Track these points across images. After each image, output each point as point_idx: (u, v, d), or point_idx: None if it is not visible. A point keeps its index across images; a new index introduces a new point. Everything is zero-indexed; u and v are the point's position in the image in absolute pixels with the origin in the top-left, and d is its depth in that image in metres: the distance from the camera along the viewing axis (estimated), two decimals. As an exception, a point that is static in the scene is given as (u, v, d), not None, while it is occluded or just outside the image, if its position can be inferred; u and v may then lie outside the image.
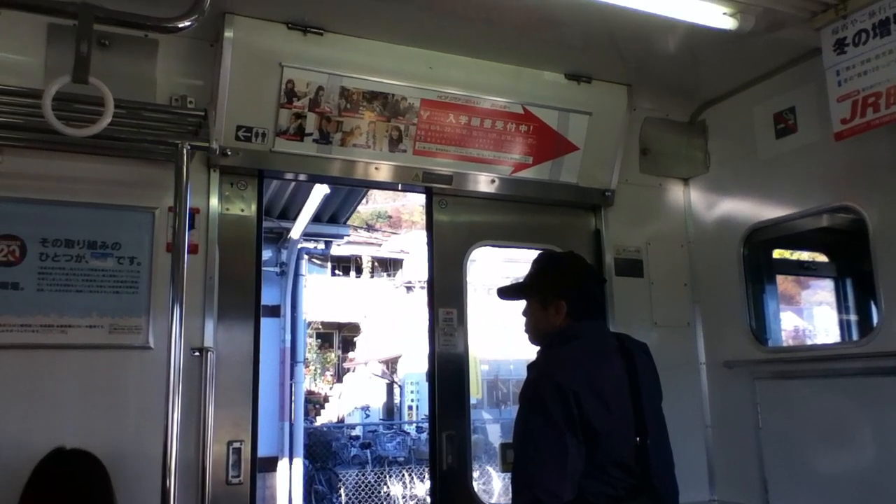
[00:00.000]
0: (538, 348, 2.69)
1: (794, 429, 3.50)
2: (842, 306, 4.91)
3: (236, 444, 3.13)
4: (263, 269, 3.90)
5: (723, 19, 3.01)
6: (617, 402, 2.42)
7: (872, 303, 3.73)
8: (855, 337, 4.78)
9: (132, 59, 3.11)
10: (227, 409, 3.12)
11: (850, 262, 4.71)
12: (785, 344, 4.57)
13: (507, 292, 2.88)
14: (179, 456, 2.64)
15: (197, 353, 3.01)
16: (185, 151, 2.87)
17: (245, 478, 3.12)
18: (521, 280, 2.83)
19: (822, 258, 5.07)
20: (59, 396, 2.84)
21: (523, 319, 2.77)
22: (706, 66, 3.72)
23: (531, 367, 2.57)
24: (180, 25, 2.40)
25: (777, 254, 4.64)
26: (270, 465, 8.32)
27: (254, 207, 3.37)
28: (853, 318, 4.80)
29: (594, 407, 2.35)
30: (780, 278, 4.63)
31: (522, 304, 2.78)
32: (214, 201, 3.22)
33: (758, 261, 4.05)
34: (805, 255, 5.20)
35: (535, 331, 2.71)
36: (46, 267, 2.89)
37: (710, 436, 4.03)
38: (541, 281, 2.72)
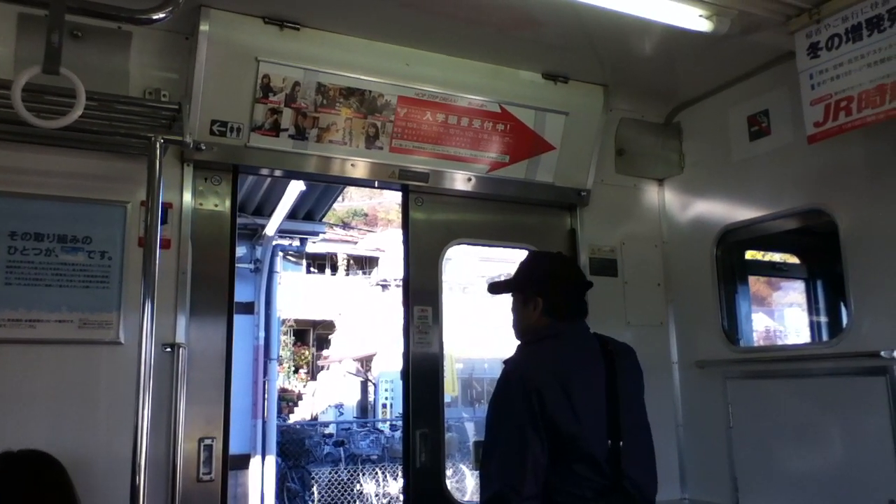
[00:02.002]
0: (517, 344, 2.73)
1: (765, 428, 3.54)
2: (812, 307, 4.97)
3: (208, 441, 3.10)
4: (237, 265, 3.87)
5: (699, 21, 3.03)
6: (587, 404, 2.43)
7: (842, 304, 3.78)
8: (825, 337, 4.84)
9: (105, 51, 3.06)
10: (199, 406, 3.09)
11: (821, 263, 4.77)
12: (756, 344, 4.62)
13: (496, 287, 2.96)
14: (149, 453, 2.62)
15: (168, 349, 2.98)
16: (158, 145, 2.84)
17: (216, 475, 3.10)
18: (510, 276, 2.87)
19: (793, 260, 5.13)
20: (28, 392, 2.79)
21: (511, 315, 2.81)
22: (682, 68, 3.75)
23: (506, 362, 2.60)
24: (154, 17, 2.37)
25: (749, 255, 4.69)
26: (243, 462, 8.25)
27: (228, 203, 3.34)
28: (823, 319, 4.86)
29: (558, 406, 2.37)
30: (752, 279, 4.68)
31: (504, 302, 2.82)
32: (188, 196, 3.19)
33: (730, 262, 4.08)
34: (777, 257, 5.26)
35: (517, 327, 2.76)
36: (15, 261, 2.85)
37: (682, 435, 4.06)
38: (523, 278, 2.77)
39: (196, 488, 3.04)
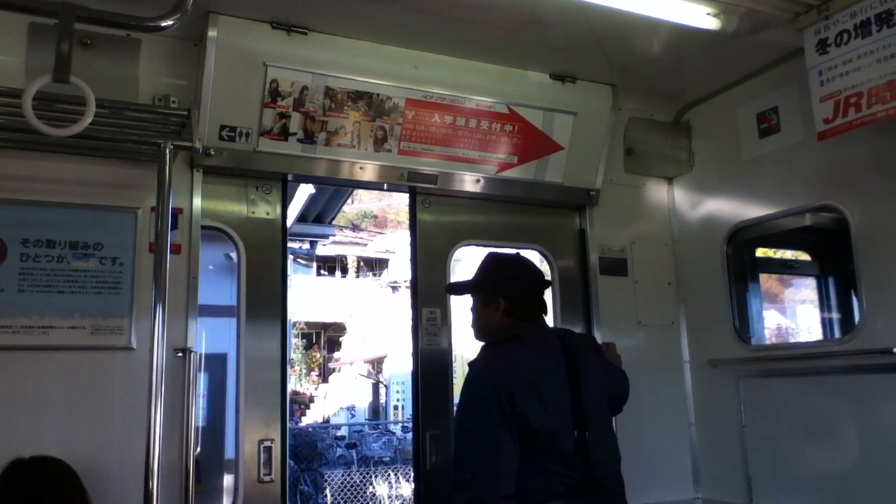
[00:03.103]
0: (481, 346, 2.75)
1: (778, 426, 3.52)
2: (824, 304, 4.94)
3: (267, 443, 3.19)
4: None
5: (706, 20, 3.02)
6: (555, 399, 2.47)
7: (854, 301, 3.76)
8: (837, 335, 4.81)
9: (114, 59, 3.08)
10: (258, 409, 3.22)
11: (832, 260, 4.75)
12: (768, 342, 4.60)
13: (454, 288, 3.09)
14: (162, 458, 2.62)
15: (180, 354, 2.99)
16: (167, 151, 2.84)
17: (276, 476, 3.20)
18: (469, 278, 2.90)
19: (804, 257, 5.11)
20: (41, 398, 2.81)
21: (471, 315, 2.84)
22: (690, 66, 3.74)
23: (471, 364, 2.62)
24: (163, 25, 2.37)
25: (760, 253, 4.67)
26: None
27: (278, 210, 3.44)
28: (835, 316, 4.84)
29: (530, 404, 2.40)
30: (763, 277, 4.66)
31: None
32: (197, 201, 3.20)
33: (741, 260, 4.07)
34: (788, 254, 5.23)
35: (478, 327, 2.79)
36: (27, 268, 2.87)
37: (695, 434, 4.05)
38: (485, 279, 2.80)
39: (257, 489, 3.17)
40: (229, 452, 3.91)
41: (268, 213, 3.42)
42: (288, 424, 3.30)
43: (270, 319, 3.35)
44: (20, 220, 2.88)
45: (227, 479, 3.13)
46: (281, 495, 3.20)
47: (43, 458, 2.49)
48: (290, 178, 3.54)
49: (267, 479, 3.17)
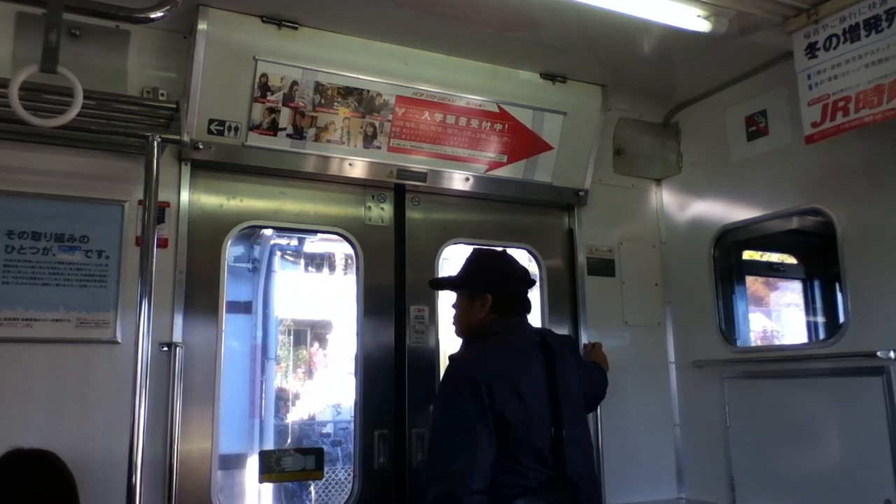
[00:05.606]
0: (462, 341, 2.78)
1: (762, 428, 3.54)
2: (810, 307, 4.97)
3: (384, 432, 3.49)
4: (235, 265, 3.89)
5: (697, 22, 3.03)
6: (532, 395, 2.49)
7: (839, 304, 3.79)
8: (822, 337, 4.84)
9: (103, 50, 3.06)
10: (374, 403, 3.54)
11: (818, 264, 4.77)
12: (754, 344, 4.62)
13: (439, 283, 3.13)
14: (146, 452, 2.61)
15: (165, 349, 2.98)
16: (155, 144, 2.83)
17: (389, 462, 3.47)
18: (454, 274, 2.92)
19: (791, 260, 5.13)
20: (25, 391, 2.78)
21: (453, 311, 2.86)
22: (680, 68, 3.75)
23: (451, 358, 2.64)
24: (152, 16, 2.36)
25: (747, 255, 4.69)
26: (240, 462, 8.24)
27: None
28: (821, 319, 4.86)
29: (507, 399, 2.42)
30: (749, 279, 4.68)
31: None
32: (185, 195, 3.18)
33: (728, 262, 4.09)
34: (775, 257, 5.25)
35: (461, 324, 2.80)
36: (12, 259, 2.84)
37: (679, 434, 4.07)
38: (470, 276, 2.82)
39: (374, 474, 3.44)
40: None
41: (382, 221, 3.58)
42: (407, 416, 3.53)
43: (385, 317, 3.62)
44: (5, 212, 2.85)
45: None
46: (396, 479, 3.45)
47: (41, 452, 2.46)
48: (406, 187, 3.70)
49: (382, 465, 3.45)
